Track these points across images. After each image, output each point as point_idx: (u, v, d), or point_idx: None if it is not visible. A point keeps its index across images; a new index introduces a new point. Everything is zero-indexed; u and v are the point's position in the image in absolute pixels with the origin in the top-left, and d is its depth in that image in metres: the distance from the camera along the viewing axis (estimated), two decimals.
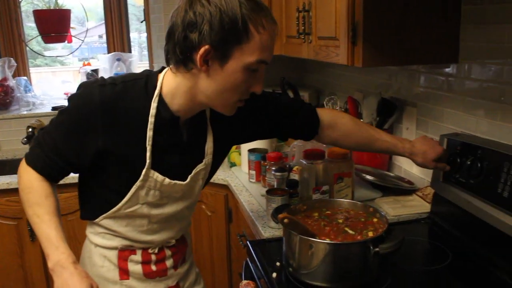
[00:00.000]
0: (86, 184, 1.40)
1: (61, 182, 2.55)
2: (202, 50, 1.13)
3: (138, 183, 1.30)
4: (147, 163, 1.28)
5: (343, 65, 1.67)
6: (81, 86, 1.29)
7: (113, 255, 1.41)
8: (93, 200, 1.39)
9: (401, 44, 1.61)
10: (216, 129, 1.41)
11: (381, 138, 1.59)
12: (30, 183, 1.31)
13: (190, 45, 1.14)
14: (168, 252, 1.47)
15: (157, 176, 1.31)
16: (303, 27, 2.02)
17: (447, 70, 1.78)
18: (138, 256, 1.42)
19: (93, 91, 1.24)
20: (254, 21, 1.14)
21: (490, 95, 1.57)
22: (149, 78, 1.28)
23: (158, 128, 1.27)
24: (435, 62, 1.74)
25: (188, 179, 1.38)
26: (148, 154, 1.28)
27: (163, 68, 1.31)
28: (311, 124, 1.57)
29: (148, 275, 1.44)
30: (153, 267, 1.45)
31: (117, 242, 1.41)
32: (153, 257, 1.44)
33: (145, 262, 1.43)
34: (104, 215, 1.36)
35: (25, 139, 2.94)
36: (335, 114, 1.65)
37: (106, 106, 1.22)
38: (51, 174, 1.33)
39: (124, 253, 1.41)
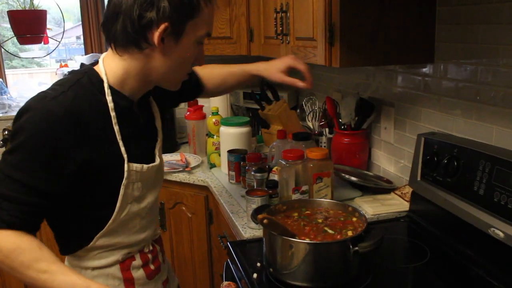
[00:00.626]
0: (64, 216, 1.28)
1: None
2: (162, 27, 1.13)
3: (124, 181, 1.25)
4: (125, 158, 1.25)
5: (321, 65, 1.68)
6: (27, 111, 1.13)
7: (116, 270, 1.35)
8: (80, 227, 1.29)
9: (377, 45, 1.62)
10: (158, 103, 1.44)
11: (231, 71, 1.72)
12: (15, 245, 1.12)
13: (146, 24, 1.13)
14: (157, 247, 1.48)
15: (136, 166, 1.28)
16: (281, 28, 2.03)
17: (423, 70, 1.81)
18: (138, 261, 1.40)
19: (49, 108, 1.13)
20: None
21: (466, 95, 1.60)
22: (89, 74, 1.23)
23: (120, 119, 1.24)
24: (411, 62, 1.76)
25: (158, 159, 1.39)
26: (122, 148, 1.25)
27: (91, 64, 1.27)
28: (196, 86, 1.70)
29: (149, 276, 1.42)
30: (152, 266, 1.44)
31: (117, 255, 1.34)
32: (149, 256, 1.43)
33: (145, 264, 1.41)
34: (98, 234, 1.28)
35: (1, 142, 2.89)
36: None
37: (71, 116, 1.14)
38: (30, 223, 1.16)
39: (125, 263, 1.37)
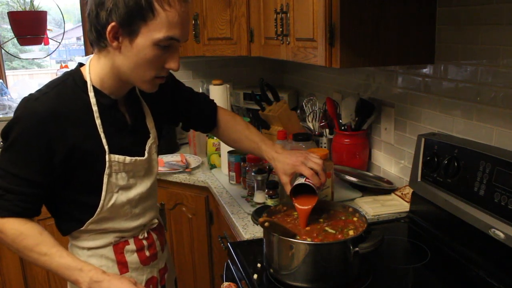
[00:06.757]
0: (59, 202, 1.39)
1: None
2: (109, 27, 1.19)
3: (106, 171, 1.34)
4: (106, 149, 1.33)
5: (321, 66, 1.68)
6: (15, 112, 1.28)
7: (109, 251, 1.44)
8: (73, 212, 1.39)
9: (378, 45, 1.62)
10: (149, 103, 1.49)
11: (250, 137, 1.67)
12: (18, 231, 1.28)
13: (101, 23, 1.21)
14: (154, 236, 1.54)
15: (118, 158, 1.36)
16: (281, 29, 2.03)
17: (424, 70, 1.81)
18: (132, 245, 1.47)
19: (32, 109, 1.25)
20: None
21: (466, 95, 1.60)
22: (74, 75, 1.33)
23: (103, 115, 1.33)
24: (412, 62, 1.76)
25: (146, 154, 1.45)
26: (104, 140, 1.33)
27: (80, 64, 1.36)
28: (210, 118, 1.71)
29: (144, 262, 1.49)
30: (147, 253, 1.50)
31: (110, 237, 1.43)
32: (145, 242, 1.50)
33: (139, 250, 1.48)
34: (89, 220, 1.37)
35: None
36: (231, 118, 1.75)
37: (53, 114, 1.25)
38: (31, 210, 1.31)
39: (119, 245, 1.45)
